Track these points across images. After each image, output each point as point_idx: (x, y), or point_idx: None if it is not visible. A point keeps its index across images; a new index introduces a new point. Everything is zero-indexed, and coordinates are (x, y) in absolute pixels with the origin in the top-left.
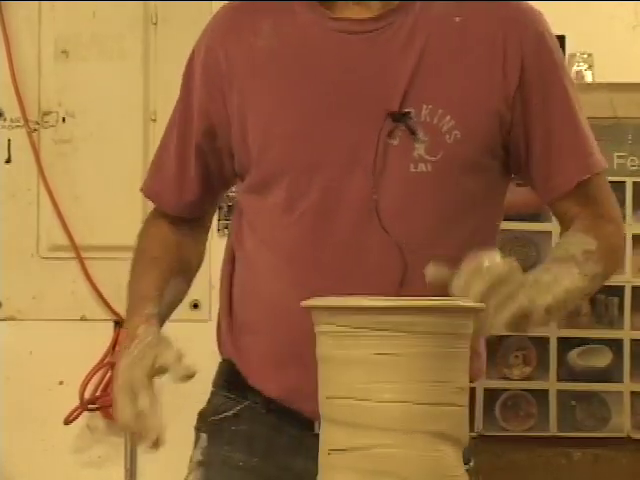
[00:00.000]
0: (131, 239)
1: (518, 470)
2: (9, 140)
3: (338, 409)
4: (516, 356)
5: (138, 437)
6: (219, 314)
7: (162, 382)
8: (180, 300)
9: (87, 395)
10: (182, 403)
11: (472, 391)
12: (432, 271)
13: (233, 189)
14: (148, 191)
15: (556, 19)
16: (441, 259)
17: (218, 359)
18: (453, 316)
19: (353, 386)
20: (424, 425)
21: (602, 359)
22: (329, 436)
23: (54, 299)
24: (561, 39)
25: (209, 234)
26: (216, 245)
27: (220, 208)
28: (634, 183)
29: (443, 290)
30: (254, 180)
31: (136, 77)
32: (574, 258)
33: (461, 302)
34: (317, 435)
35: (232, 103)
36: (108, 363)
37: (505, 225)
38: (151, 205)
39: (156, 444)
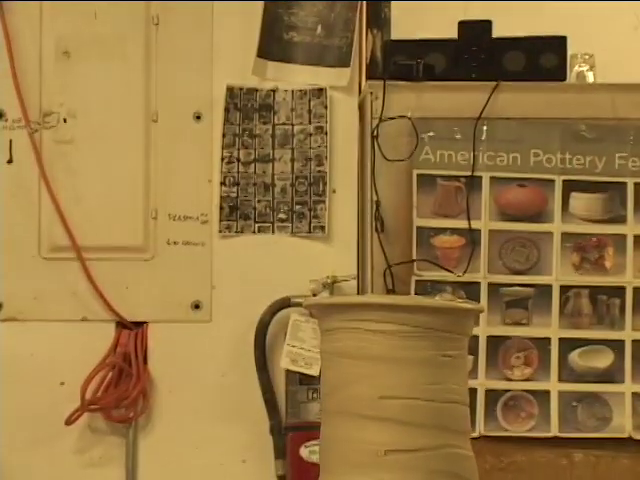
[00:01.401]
0: (132, 240)
1: (519, 471)
2: (10, 141)
3: (401, 409)
4: (517, 357)
5: None
6: None
7: (161, 384)
8: None
9: (88, 396)
10: (181, 405)
11: (473, 392)
12: None
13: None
14: None
15: (558, 20)
16: None
17: (219, 358)
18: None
19: (421, 387)
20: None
21: (603, 360)
22: (382, 437)
23: (55, 300)
24: (563, 40)
25: (209, 234)
26: (217, 246)
27: (222, 209)
28: (635, 184)
29: None
30: None
31: (137, 78)
32: None
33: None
34: None
35: None
36: (109, 364)
37: (506, 226)
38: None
39: None
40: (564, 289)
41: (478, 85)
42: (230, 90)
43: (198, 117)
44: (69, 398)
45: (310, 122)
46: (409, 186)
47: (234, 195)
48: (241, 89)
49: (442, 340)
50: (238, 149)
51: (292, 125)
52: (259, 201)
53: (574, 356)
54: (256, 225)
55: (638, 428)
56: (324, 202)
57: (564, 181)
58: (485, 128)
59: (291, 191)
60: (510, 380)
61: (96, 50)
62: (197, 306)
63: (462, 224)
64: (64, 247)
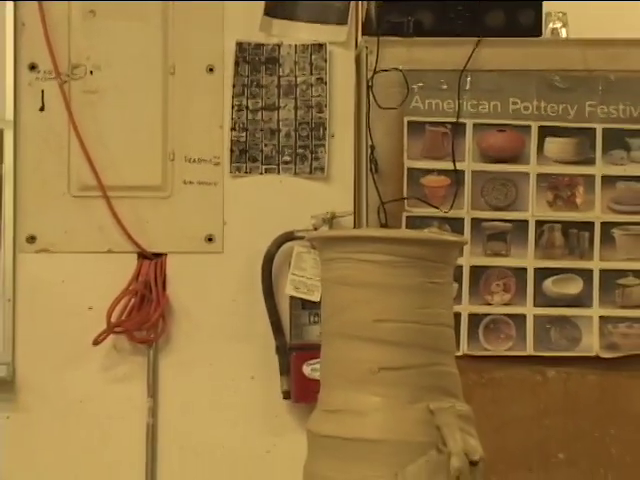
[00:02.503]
0: (152, 179)
1: (498, 386)
2: (42, 90)
3: (393, 331)
4: (497, 284)
5: None
6: None
7: (178, 309)
8: None
9: (113, 319)
10: (196, 328)
11: (458, 316)
12: None
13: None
14: None
15: None
16: None
17: (230, 286)
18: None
19: (411, 311)
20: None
21: (574, 287)
22: (376, 356)
23: (83, 234)
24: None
25: (221, 175)
26: (228, 185)
27: (232, 152)
28: (604, 129)
29: None
30: None
31: (156, 34)
32: None
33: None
34: None
35: None
36: (132, 291)
37: (487, 167)
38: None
39: None
40: (539, 224)
41: (462, 40)
42: (239, 45)
43: (211, 69)
44: (96, 321)
45: (311, 74)
46: (400, 131)
47: (243, 139)
48: (249, 44)
49: (430, 269)
50: (247, 98)
51: (295, 76)
52: (266, 145)
53: (548, 283)
54: (263, 166)
55: (604, 348)
56: (324, 146)
57: (539, 127)
58: (469, 79)
59: (294, 136)
60: (490, 305)
61: (119, 9)
62: (210, 239)
63: (448, 165)
64: (91, 186)
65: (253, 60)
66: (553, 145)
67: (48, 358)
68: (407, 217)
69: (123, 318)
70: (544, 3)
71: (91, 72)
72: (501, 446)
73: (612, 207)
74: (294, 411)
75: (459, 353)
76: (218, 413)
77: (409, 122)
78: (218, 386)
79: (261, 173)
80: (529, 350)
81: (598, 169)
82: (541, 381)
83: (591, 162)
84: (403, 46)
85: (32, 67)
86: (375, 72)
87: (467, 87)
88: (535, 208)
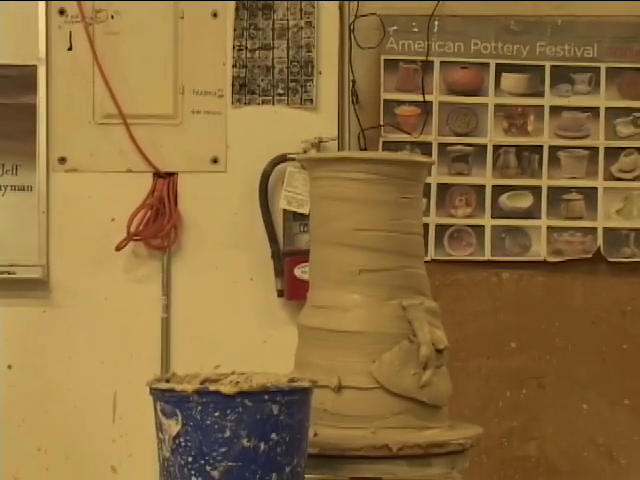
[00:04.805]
0: (165, 109)
1: (461, 286)
2: (70, 32)
3: (372, 239)
4: (460, 199)
5: None
6: None
7: (188, 220)
8: None
9: (133, 229)
10: (203, 236)
11: (426, 226)
12: None
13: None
14: None
15: None
16: None
17: (232, 200)
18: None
19: (387, 222)
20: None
21: (525, 201)
22: (357, 260)
23: (106, 156)
24: None
25: (224, 105)
26: (230, 114)
27: (233, 86)
28: (551, 66)
29: None
30: None
31: None
32: None
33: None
34: None
35: None
36: (148, 205)
37: (452, 99)
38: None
39: None
40: (496, 147)
41: None
42: None
43: (215, 15)
44: (118, 230)
45: (301, 18)
46: (378, 68)
47: (243, 75)
48: None
49: (403, 186)
50: (246, 39)
51: (287, 21)
52: (262, 80)
53: (503, 199)
54: (260, 98)
55: (551, 253)
56: (312, 81)
57: (497, 64)
58: (436, 23)
59: (287, 72)
60: (454, 217)
61: None
62: (215, 160)
63: (418, 97)
64: (113, 115)
65: (251, 6)
66: (508, 80)
67: (77, 261)
68: (383, 142)
69: (141, 228)
70: None
71: (112, 16)
72: (463, 337)
73: (558, 133)
74: (287, 307)
75: (427, 258)
76: (222, 309)
77: (385, 60)
78: (222, 286)
79: (258, 104)
80: (487, 255)
81: (547, 101)
82: (497, 282)
83: (541, 95)
84: None
85: (61, 12)
86: (356, 17)
87: (435, 30)
88: (493, 134)
